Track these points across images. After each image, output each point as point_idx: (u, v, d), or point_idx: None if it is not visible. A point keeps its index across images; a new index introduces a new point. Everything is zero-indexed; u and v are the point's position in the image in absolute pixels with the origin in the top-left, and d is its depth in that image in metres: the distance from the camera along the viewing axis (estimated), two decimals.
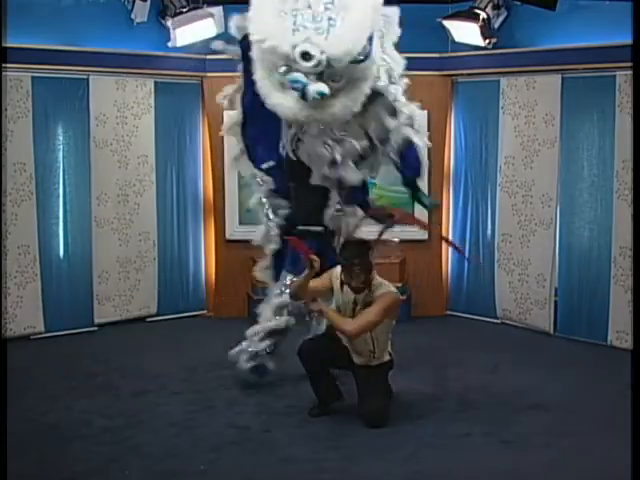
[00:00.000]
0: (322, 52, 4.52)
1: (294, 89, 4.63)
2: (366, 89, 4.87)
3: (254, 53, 4.91)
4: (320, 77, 4.59)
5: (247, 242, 7.18)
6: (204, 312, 8.07)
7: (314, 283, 5.11)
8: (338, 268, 5.14)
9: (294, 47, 4.54)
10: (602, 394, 5.58)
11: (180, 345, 6.99)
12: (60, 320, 7.21)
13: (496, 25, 7.32)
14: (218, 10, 7.33)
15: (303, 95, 4.61)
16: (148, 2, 7.22)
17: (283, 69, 4.64)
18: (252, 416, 5.23)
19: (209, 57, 7.65)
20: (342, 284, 5.08)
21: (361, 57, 4.66)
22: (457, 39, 7.46)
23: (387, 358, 5.21)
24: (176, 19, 7.14)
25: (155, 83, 7.55)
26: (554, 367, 6.26)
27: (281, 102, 4.80)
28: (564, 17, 6.84)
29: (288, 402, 5.43)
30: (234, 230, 7.86)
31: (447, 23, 7.35)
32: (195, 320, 7.92)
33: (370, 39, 4.71)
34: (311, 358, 5.13)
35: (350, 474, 4.42)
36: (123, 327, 7.51)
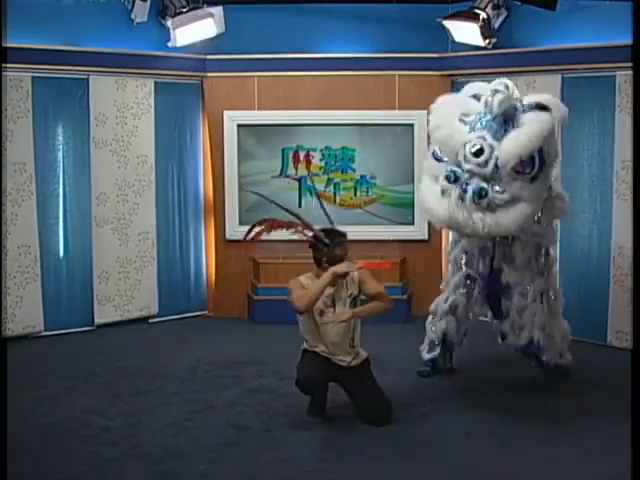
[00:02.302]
0: (492, 151, 4.63)
1: (449, 181, 4.75)
2: (530, 211, 4.89)
3: (425, 164, 5.12)
4: (485, 180, 4.69)
5: (247, 242, 7.21)
6: (204, 312, 8.08)
7: (298, 292, 5.00)
8: (301, 276, 5.09)
9: (466, 143, 4.70)
10: (602, 394, 5.58)
11: (180, 345, 6.99)
12: (60, 320, 7.22)
13: (496, 25, 7.33)
14: (218, 10, 7.35)
15: (462, 195, 4.70)
16: (148, 2, 7.22)
17: (446, 174, 4.77)
18: (252, 416, 5.23)
19: (209, 57, 7.68)
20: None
21: (525, 176, 4.74)
22: (457, 39, 7.46)
23: (365, 353, 5.17)
24: (176, 19, 7.14)
25: (155, 83, 7.56)
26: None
27: (436, 206, 4.88)
28: (564, 17, 6.85)
29: (288, 402, 5.42)
30: (234, 230, 7.86)
31: (447, 23, 7.35)
32: (195, 320, 7.92)
33: (540, 157, 4.79)
34: (315, 386, 5.05)
35: (350, 474, 4.43)
36: (123, 327, 7.52)
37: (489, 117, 4.89)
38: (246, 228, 7.65)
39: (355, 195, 7.93)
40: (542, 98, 5.11)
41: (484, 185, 4.71)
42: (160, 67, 7.53)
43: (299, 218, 5.19)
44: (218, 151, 7.86)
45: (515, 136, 4.75)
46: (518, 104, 5.00)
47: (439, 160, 4.98)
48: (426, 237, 7.73)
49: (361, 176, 7.90)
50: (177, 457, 4.58)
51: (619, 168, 6.65)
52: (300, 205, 7.84)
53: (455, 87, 7.77)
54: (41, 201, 7.09)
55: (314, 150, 7.89)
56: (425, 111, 7.57)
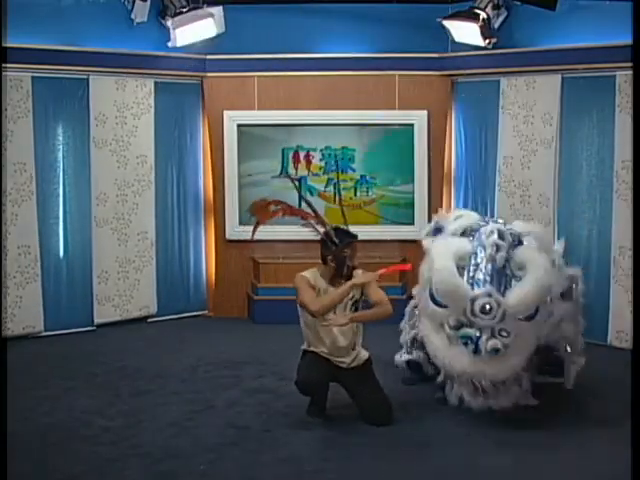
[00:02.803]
0: (500, 306, 4.65)
1: (465, 344, 4.73)
2: (533, 345, 4.92)
3: (424, 309, 5.05)
4: (492, 332, 4.69)
5: (247, 242, 7.21)
6: (204, 312, 8.07)
7: (311, 293, 4.98)
8: (305, 272, 5.06)
9: (473, 300, 4.67)
10: (602, 394, 5.58)
11: (180, 345, 6.99)
12: (60, 320, 7.22)
13: (496, 25, 7.33)
14: (218, 10, 7.35)
15: (476, 350, 4.69)
16: (148, 2, 7.22)
17: (453, 323, 4.75)
18: (252, 416, 5.22)
19: (209, 57, 7.67)
20: (332, 281, 5.03)
21: (531, 312, 4.77)
22: (457, 39, 7.46)
23: (366, 354, 5.16)
24: (176, 19, 7.15)
25: (155, 83, 7.56)
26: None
27: (451, 359, 4.85)
28: (564, 17, 6.85)
29: (288, 402, 5.42)
30: (234, 230, 7.87)
31: (447, 23, 7.35)
32: (195, 320, 7.92)
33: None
34: (317, 388, 5.05)
35: (350, 474, 4.42)
36: (123, 327, 7.52)
37: (489, 267, 4.84)
38: (246, 228, 7.75)
39: (355, 195, 7.93)
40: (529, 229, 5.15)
41: (499, 346, 4.69)
42: (160, 67, 7.53)
43: (316, 213, 5.20)
44: (218, 151, 7.86)
45: (522, 290, 4.75)
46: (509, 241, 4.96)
47: (440, 305, 4.86)
48: None
49: (361, 176, 7.90)
50: (177, 457, 4.58)
51: (619, 168, 6.66)
52: (300, 205, 7.82)
53: (455, 87, 7.79)
54: (41, 201, 7.09)
55: (314, 150, 7.89)
56: (425, 111, 7.71)
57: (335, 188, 7.88)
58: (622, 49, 6.04)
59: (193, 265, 8.03)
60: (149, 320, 7.75)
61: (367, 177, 7.90)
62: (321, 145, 7.90)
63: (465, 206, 7.82)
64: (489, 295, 4.70)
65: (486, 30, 7.16)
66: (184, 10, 7.11)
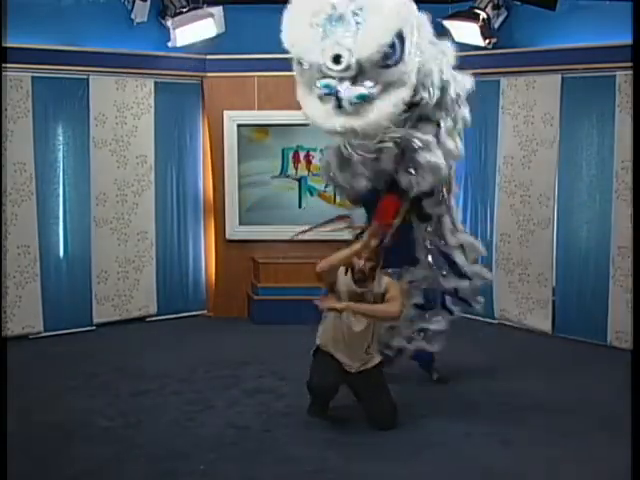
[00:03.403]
0: (351, 53, 4.48)
1: (327, 95, 4.57)
2: (404, 95, 4.73)
3: (295, 71, 4.89)
4: (354, 83, 4.53)
5: (247, 242, 7.22)
6: (204, 312, 8.07)
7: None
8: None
9: (323, 51, 4.52)
10: (602, 394, 5.59)
11: (180, 345, 6.99)
12: (59, 320, 7.22)
13: (496, 25, 7.33)
14: (218, 10, 7.35)
15: (339, 103, 4.54)
16: (148, 2, 7.22)
17: (319, 81, 4.60)
18: (252, 416, 5.23)
19: (209, 57, 7.67)
20: (346, 272, 5.01)
21: (391, 62, 4.60)
22: (457, 39, 7.43)
23: (379, 358, 5.17)
24: (176, 19, 7.15)
25: (155, 83, 7.55)
26: (554, 367, 6.26)
27: (314, 112, 4.71)
28: (564, 17, 6.85)
29: (288, 402, 5.43)
30: (234, 230, 7.87)
31: (447, 23, 7.34)
32: (195, 320, 7.92)
33: (401, 41, 4.63)
34: (326, 393, 5.04)
35: (350, 474, 4.43)
36: (122, 327, 7.52)
37: (337, 16, 4.58)
38: (246, 228, 7.78)
39: None
40: None
41: (363, 91, 4.52)
42: (160, 67, 7.53)
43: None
44: (218, 151, 7.86)
45: (368, 29, 4.51)
46: None
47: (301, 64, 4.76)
48: None
49: None
50: (177, 457, 4.58)
51: (619, 168, 6.66)
52: (300, 205, 7.85)
53: None
54: (41, 201, 7.09)
55: (314, 150, 7.89)
56: None
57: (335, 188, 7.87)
58: (622, 49, 6.04)
59: (193, 265, 8.03)
60: (149, 320, 7.75)
61: None
62: (321, 145, 7.86)
63: (464, 205, 7.83)
64: (336, 43, 4.50)
65: (486, 30, 7.17)
66: (184, 10, 7.12)
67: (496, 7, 7.23)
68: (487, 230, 7.65)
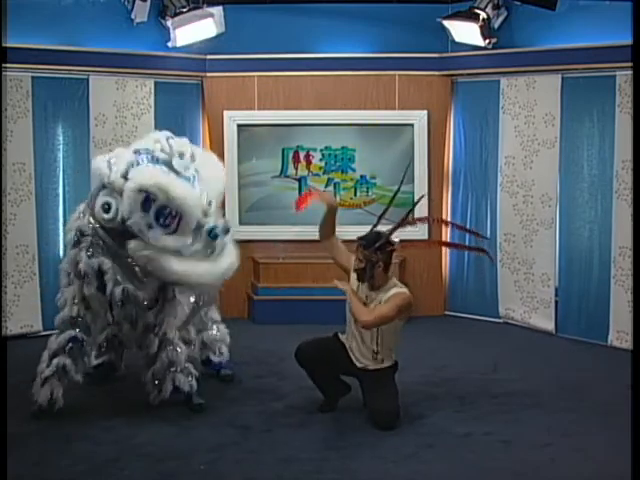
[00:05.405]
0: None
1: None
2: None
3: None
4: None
5: (247, 242, 7.21)
6: None
7: (342, 249, 5.25)
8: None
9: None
10: (603, 394, 5.58)
11: None
12: None
13: (496, 25, 7.33)
14: (218, 10, 7.34)
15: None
16: (148, 2, 7.21)
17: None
18: (252, 416, 5.22)
19: (209, 57, 7.67)
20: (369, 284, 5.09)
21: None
22: (457, 39, 7.47)
23: (390, 362, 5.17)
24: (176, 19, 7.14)
25: (155, 83, 7.54)
26: (554, 367, 6.26)
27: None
28: (564, 17, 6.85)
29: (288, 402, 5.42)
30: (234, 230, 7.84)
31: (447, 23, 7.36)
32: None
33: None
34: (307, 360, 5.15)
35: (350, 474, 4.42)
36: None
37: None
38: (246, 228, 7.77)
39: (355, 195, 7.92)
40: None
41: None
42: (160, 67, 7.52)
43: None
44: (218, 151, 7.84)
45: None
46: None
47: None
48: (426, 237, 7.71)
49: (361, 176, 7.90)
50: (177, 457, 4.58)
51: (619, 168, 6.65)
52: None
53: (455, 87, 7.79)
54: (40, 201, 7.08)
55: (314, 150, 7.89)
56: (425, 111, 7.71)
57: (335, 188, 7.88)
58: (622, 49, 6.04)
59: None
60: None
61: (367, 177, 7.90)
62: (321, 145, 7.90)
63: (465, 206, 7.84)
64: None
65: (486, 30, 7.17)
66: (184, 10, 7.11)
67: (496, 7, 7.22)
68: (489, 230, 7.63)
